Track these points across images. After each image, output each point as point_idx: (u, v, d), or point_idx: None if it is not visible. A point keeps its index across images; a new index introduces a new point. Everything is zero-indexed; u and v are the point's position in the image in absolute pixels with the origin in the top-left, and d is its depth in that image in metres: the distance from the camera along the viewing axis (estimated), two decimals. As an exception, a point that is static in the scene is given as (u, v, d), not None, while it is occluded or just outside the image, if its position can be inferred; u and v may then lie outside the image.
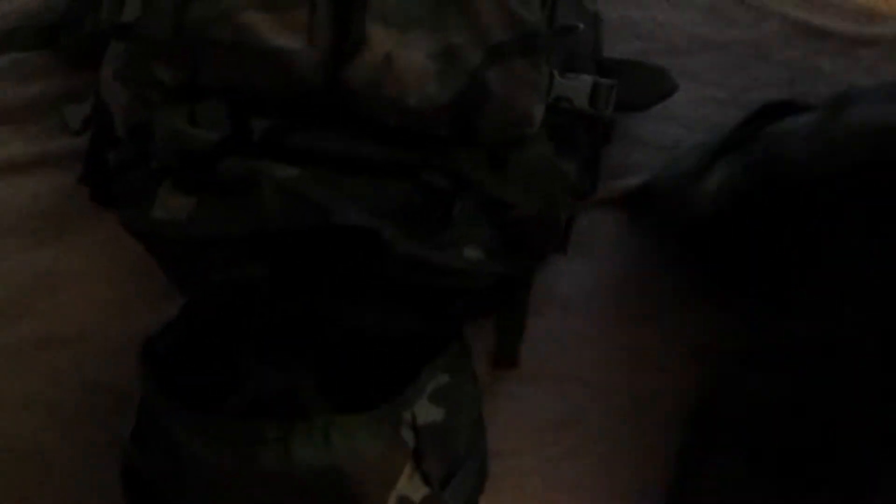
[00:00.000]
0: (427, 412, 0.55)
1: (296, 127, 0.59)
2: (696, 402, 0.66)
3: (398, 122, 0.58)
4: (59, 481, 0.64)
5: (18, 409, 0.64)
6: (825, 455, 0.57)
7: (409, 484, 0.54)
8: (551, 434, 0.69)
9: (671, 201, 0.68)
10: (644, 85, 0.73)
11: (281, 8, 0.58)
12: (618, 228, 0.73)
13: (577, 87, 0.62)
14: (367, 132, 0.59)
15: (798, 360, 0.59)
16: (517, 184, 0.60)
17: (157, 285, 0.66)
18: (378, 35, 0.58)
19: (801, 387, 0.58)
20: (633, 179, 0.73)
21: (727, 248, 0.65)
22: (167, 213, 0.56)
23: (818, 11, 0.81)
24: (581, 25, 0.64)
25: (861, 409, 0.56)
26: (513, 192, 0.60)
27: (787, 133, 0.60)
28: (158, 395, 0.53)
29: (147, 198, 0.58)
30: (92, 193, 0.68)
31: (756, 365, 0.62)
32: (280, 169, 0.57)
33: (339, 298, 0.65)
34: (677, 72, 0.74)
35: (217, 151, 0.58)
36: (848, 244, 0.56)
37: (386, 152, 0.59)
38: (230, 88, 0.58)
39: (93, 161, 0.67)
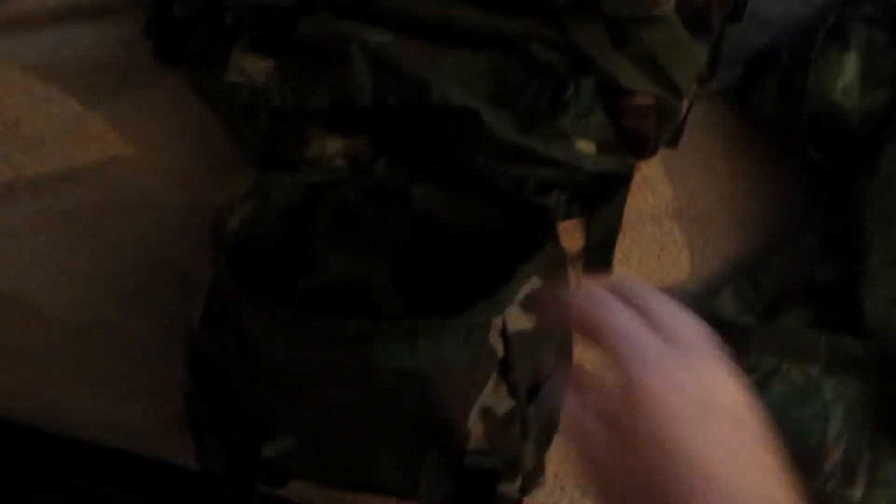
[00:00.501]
0: (518, 319, 0.50)
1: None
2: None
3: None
4: (122, 355, 0.62)
5: (81, 279, 0.61)
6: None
7: (494, 394, 0.50)
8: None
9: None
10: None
11: None
12: (735, 122, 0.65)
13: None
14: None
15: None
16: (640, 66, 0.52)
17: (222, 156, 0.61)
18: None
19: None
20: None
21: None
22: (242, 77, 0.50)
23: None
24: None
25: None
26: (634, 77, 0.53)
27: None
28: (231, 281, 0.48)
29: (219, 58, 0.52)
30: (156, 48, 0.62)
31: None
32: (372, 33, 0.49)
33: (421, 182, 0.59)
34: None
35: (299, 7, 0.51)
36: None
37: (491, 20, 0.51)
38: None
39: (159, 10, 0.60)
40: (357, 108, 0.51)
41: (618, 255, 0.63)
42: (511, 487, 0.52)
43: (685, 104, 0.57)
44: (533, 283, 0.51)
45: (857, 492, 0.55)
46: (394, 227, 0.60)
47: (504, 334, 0.50)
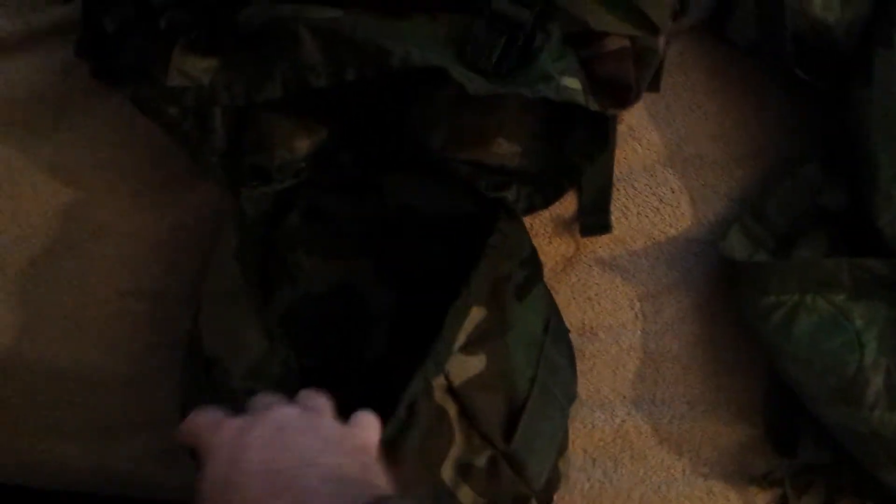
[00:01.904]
0: (463, 367, 0.48)
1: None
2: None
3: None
4: (103, 396, 0.58)
5: (49, 323, 0.57)
6: None
7: (467, 449, 0.47)
8: (652, 305, 0.60)
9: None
10: None
11: None
12: (715, 56, 0.61)
13: None
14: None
15: None
16: (609, 6, 0.49)
17: (176, 173, 0.57)
18: None
19: None
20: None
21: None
22: (185, 79, 0.46)
23: None
24: None
25: None
26: (604, 17, 0.49)
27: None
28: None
29: (159, 65, 0.48)
30: (92, 69, 0.57)
31: None
32: (318, 11, 0.45)
33: (391, 173, 0.55)
34: None
35: (236, -1, 0.47)
36: None
37: (444, -19, 0.47)
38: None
39: (89, 28, 0.55)
40: (313, 93, 0.47)
41: (615, 213, 0.60)
42: None
43: (662, 42, 0.53)
44: (473, 318, 0.48)
45: (906, 417, 0.52)
46: (370, 222, 0.57)
47: (451, 390, 0.47)
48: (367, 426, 0.43)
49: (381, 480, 0.39)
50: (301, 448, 0.38)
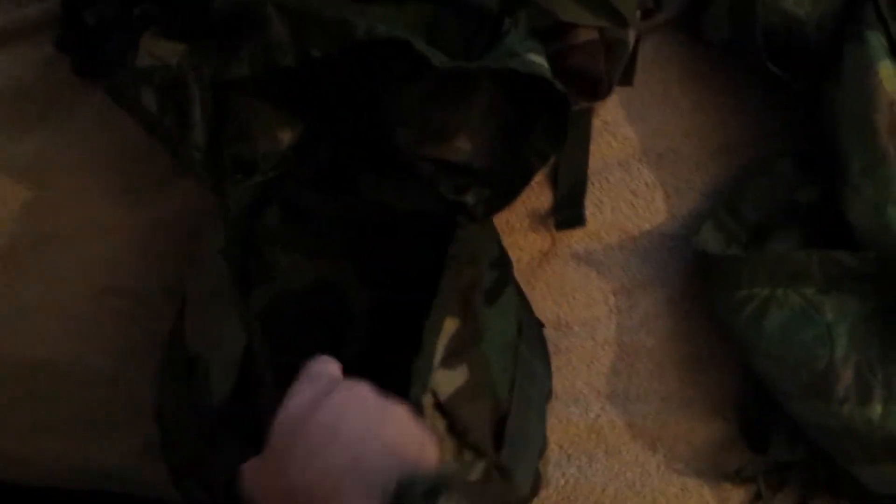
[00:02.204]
0: (447, 381, 0.48)
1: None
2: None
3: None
4: (82, 391, 0.58)
5: (28, 317, 0.57)
6: None
7: (460, 464, 0.47)
8: (627, 299, 0.60)
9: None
10: None
11: None
12: (689, 52, 0.62)
13: None
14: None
15: None
16: (577, -2, 0.49)
17: (161, 166, 0.58)
18: None
19: None
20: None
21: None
22: (154, 60, 0.46)
23: None
24: None
25: None
26: (572, 9, 0.50)
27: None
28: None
29: (131, 53, 0.48)
30: (73, 64, 0.58)
31: None
32: (285, -6, 0.46)
33: (366, 170, 0.56)
34: None
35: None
36: None
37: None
38: None
39: (70, 22, 0.56)
40: (289, 82, 0.47)
41: (589, 206, 0.60)
42: None
43: (632, 34, 0.54)
44: (448, 330, 0.48)
45: (876, 410, 0.52)
46: (348, 220, 0.57)
47: (439, 406, 0.47)
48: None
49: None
50: (371, 415, 0.39)
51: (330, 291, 0.56)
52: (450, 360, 0.48)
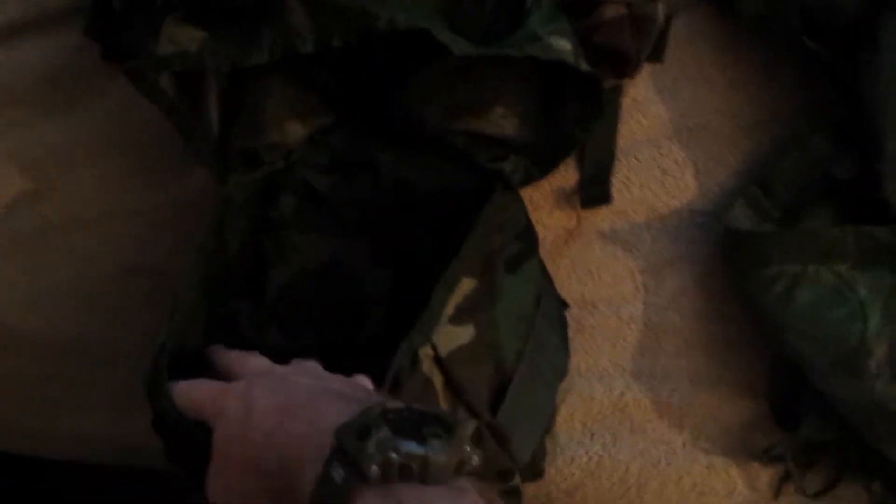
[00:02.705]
0: (450, 337, 0.48)
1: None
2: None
3: None
4: (109, 369, 0.59)
5: (56, 296, 0.59)
6: None
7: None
8: (653, 278, 0.60)
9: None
10: None
11: None
12: (721, 28, 0.60)
13: None
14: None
15: None
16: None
17: (185, 149, 0.58)
18: None
19: None
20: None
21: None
22: (174, 47, 0.47)
23: None
24: None
25: None
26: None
27: None
28: None
29: (153, 38, 0.49)
30: (103, 50, 0.59)
31: None
32: (303, -21, 0.46)
33: (386, 150, 0.56)
34: None
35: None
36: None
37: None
38: None
39: (98, 9, 0.57)
40: (304, 69, 0.47)
41: (616, 184, 0.60)
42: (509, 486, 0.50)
43: (661, 10, 0.53)
44: (463, 289, 0.48)
45: (910, 387, 0.51)
46: (365, 201, 0.57)
47: (437, 359, 0.47)
48: (365, 381, 0.44)
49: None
50: (308, 385, 0.40)
51: (346, 272, 0.57)
52: (458, 318, 0.49)
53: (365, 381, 0.44)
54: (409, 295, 0.55)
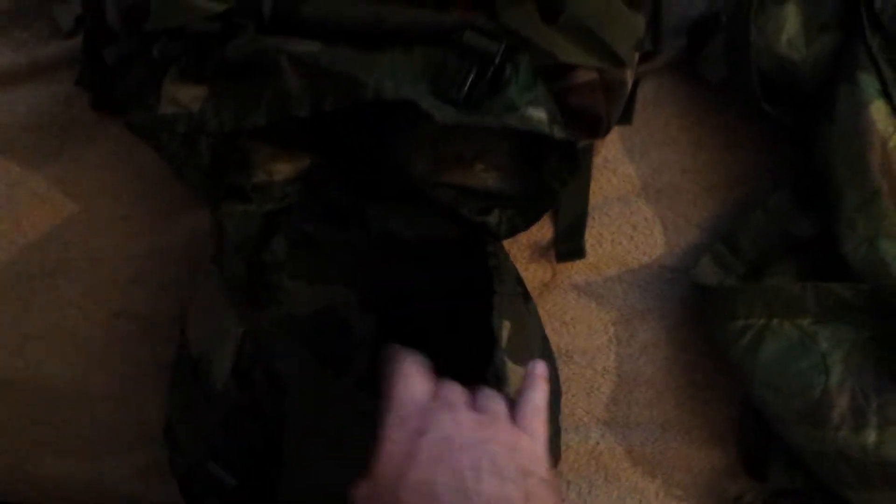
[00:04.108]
0: (518, 376, 0.50)
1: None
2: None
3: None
4: (91, 414, 0.60)
5: (42, 341, 0.59)
6: None
7: None
8: (626, 329, 0.62)
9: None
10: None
11: None
12: (688, 93, 0.64)
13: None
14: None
15: None
16: (576, 39, 0.51)
17: (173, 197, 0.60)
18: None
19: None
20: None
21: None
22: (177, 107, 0.49)
23: None
24: None
25: None
26: (571, 50, 0.52)
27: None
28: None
29: (152, 93, 0.50)
30: (92, 100, 0.61)
31: None
32: (299, 44, 0.48)
33: (374, 201, 0.58)
34: None
35: (225, 31, 0.50)
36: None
37: (421, 15, 0.50)
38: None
39: (90, 60, 0.59)
40: (297, 122, 0.49)
41: (589, 240, 0.62)
42: None
43: (629, 74, 0.55)
44: (505, 331, 0.51)
45: (870, 436, 0.53)
46: (354, 250, 0.59)
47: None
48: (533, 432, 0.43)
49: None
50: (465, 468, 0.39)
51: (334, 317, 0.58)
52: (514, 358, 0.50)
53: (538, 433, 0.43)
54: (393, 338, 0.56)
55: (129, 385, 0.58)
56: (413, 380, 0.44)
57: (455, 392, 0.44)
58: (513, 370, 0.49)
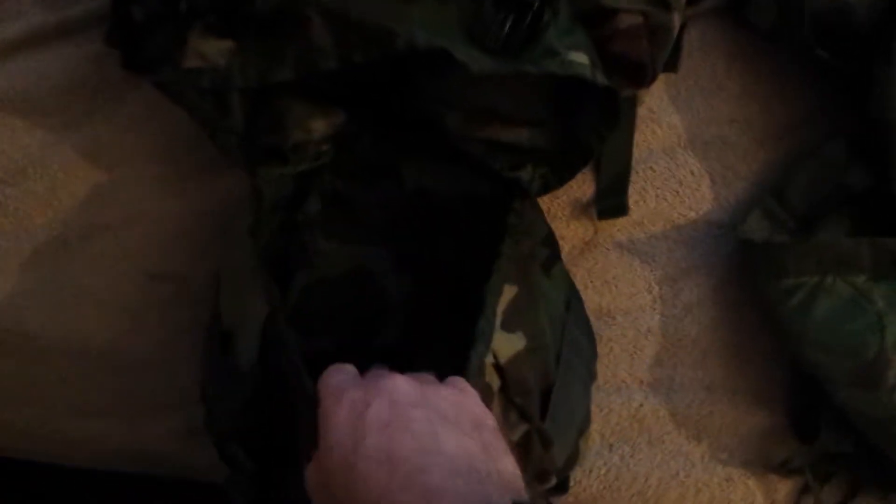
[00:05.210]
0: (506, 345, 0.48)
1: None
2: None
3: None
4: (129, 377, 0.60)
5: (77, 303, 0.59)
6: None
7: (504, 423, 0.47)
8: (670, 288, 0.60)
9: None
10: None
11: None
12: (736, 38, 0.61)
13: None
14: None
15: None
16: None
17: (208, 157, 0.59)
18: None
19: None
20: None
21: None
22: (203, 62, 0.47)
23: None
24: None
25: None
26: (614, -7, 0.49)
27: None
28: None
29: (178, 49, 0.49)
30: (123, 59, 0.59)
31: None
32: (326, -7, 0.47)
33: (408, 157, 0.56)
34: None
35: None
36: None
37: (453, -38, 0.48)
38: None
39: (118, 18, 0.58)
40: (328, 77, 0.48)
41: (632, 196, 0.60)
42: (545, 488, 0.50)
43: (676, 18, 0.53)
44: (507, 296, 0.49)
45: (927, 399, 0.51)
46: (388, 208, 0.57)
47: (498, 367, 0.47)
48: (469, 392, 0.42)
49: (506, 461, 0.39)
50: (419, 430, 0.38)
51: (368, 279, 0.57)
52: (508, 325, 0.48)
53: (474, 397, 0.42)
54: (427, 300, 0.55)
55: (165, 347, 0.58)
56: (339, 369, 0.43)
57: (382, 368, 0.44)
58: (501, 338, 0.48)
